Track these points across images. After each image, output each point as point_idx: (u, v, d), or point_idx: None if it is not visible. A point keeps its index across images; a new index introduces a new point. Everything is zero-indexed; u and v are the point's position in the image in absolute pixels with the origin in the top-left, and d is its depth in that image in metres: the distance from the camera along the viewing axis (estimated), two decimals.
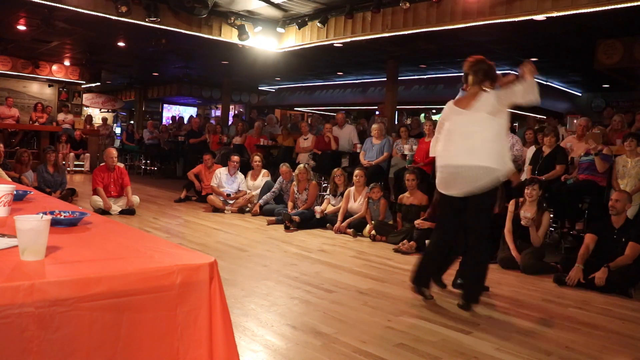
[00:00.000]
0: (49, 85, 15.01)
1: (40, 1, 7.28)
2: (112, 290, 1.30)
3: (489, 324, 3.26)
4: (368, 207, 6.24)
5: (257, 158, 8.10)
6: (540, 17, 6.48)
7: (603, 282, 4.12)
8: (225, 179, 7.65)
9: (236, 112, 19.07)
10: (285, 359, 2.56)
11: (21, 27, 10.19)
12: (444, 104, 3.69)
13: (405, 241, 5.45)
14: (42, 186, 7.28)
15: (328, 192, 7.05)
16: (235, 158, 7.78)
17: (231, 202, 7.54)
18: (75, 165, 12.79)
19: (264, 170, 8.09)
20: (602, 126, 6.72)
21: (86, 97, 18.42)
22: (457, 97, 3.66)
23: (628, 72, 8.94)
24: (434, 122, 5.90)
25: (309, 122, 10.34)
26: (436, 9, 7.01)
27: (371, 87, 15.00)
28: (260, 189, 7.78)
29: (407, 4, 7.06)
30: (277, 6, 8.21)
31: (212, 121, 14.07)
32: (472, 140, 3.38)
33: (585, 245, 4.44)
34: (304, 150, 8.98)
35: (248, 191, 7.77)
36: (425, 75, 13.42)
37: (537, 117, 11.68)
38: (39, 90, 14.91)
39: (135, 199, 7.04)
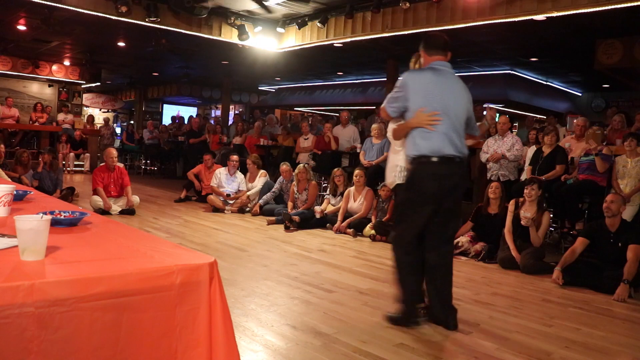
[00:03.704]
0: (49, 85, 15.01)
1: (40, 1, 7.29)
2: (112, 290, 1.30)
3: (489, 324, 3.26)
4: (376, 206, 6.24)
5: (248, 161, 8.07)
6: (540, 17, 6.48)
7: (625, 298, 3.97)
8: (225, 179, 7.66)
9: (236, 111, 19.08)
10: (285, 359, 2.56)
11: (21, 27, 10.19)
12: None
13: None
14: (42, 184, 7.30)
15: (328, 192, 7.05)
16: (235, 157, 7.77)
17: (231, 202, 7.54)
18: (75, 165, 12.79)
19: (261, 171, 8.06)
20: (603, 126, 6.72)
21: (86, 97, 18.43)
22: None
23: (628, 72, 8.94)
24: None
25: (310, 122, 10.35)
26: (436, 9, 7.01)
27: (371, 87, 15.01)
28: (257, 190, 7.77)
29: (407, 4, 7.06)
30: (265, 8, 8.16)
31: (212, 121, 14.06)
32: None
33: (572, 249, 4.40)
34: (304, 150, 8.98)
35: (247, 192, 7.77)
36: None
37: (536, 116, 11.68)
38: (39, 90, 14.91)
39: (135, 199, 7.05)
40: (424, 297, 3.24)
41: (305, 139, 9.10)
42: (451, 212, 3.13)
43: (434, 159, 2.98)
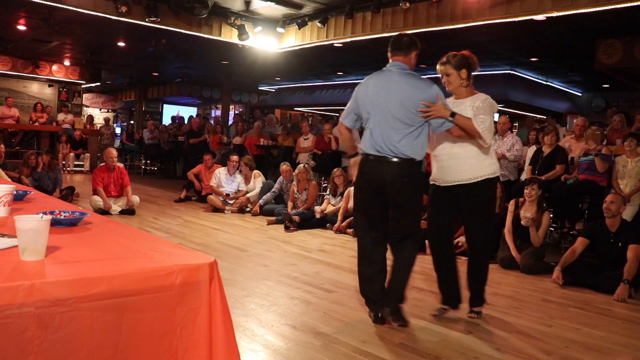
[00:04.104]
0: (49, 85, 15.01)
1: (40, 1, 7.28)
2: (112, 290, 1.30)
3: (489, 324, 3.26)
4: None
5: (241, 162, 8.04)
6: (540, 17, 6.48)
7: (625, 298, 3.97)
8: (224, 179, 7.66)
9: (236, 111, 19.06)
10: (285, 359, 2.56)
11: (21, 27, 10.19)
12: None
13: None
14: (41, 184, 7.30)
15: (328, 192, 7.05)
16: (234, 158, 7.77)
17: (231, 202, 7.54)
18: (75, 165, 12.79)
19: (255, 172, 8.04)
20: (602, 126, 6.71)
21: (86, 97, 18.43)
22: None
23: (628, 72, 8.94)
24: None
25: (310, 122, 10.36)
26: (436, 9, 7.01)
27: None
28: (255, 191, 7.76)
29: (407, 4, 7.05)
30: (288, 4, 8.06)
31: (212, 121, 14.04)
32: None
33: (572, 249, 4.40)
34: (304, 150, 8.99)
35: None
36: (425, 75, 13.36)
37: (536, 117, 11.68)
38: (39, 90, 14.91)
39: (135, 199, 7.05)
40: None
41: (305, 139, 9.10)
42: (398, 212, 3.12)
43: (361, 157, 3.20)
